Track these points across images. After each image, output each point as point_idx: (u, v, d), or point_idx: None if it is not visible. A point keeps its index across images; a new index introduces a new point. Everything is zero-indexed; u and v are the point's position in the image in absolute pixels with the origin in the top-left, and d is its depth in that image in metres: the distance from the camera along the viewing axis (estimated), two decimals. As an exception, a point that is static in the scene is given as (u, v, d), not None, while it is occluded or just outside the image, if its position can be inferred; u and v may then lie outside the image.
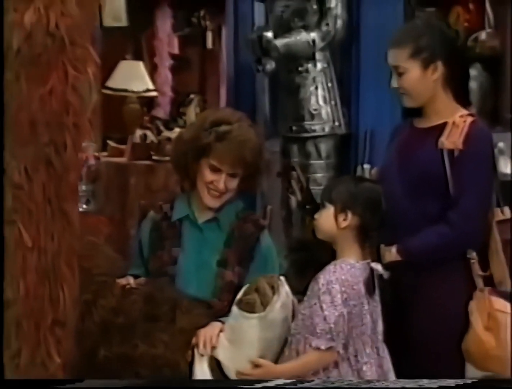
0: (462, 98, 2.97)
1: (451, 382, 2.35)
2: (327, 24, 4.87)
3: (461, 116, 2.88)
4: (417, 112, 2.97)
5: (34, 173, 2.05)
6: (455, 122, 2.85)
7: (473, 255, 2.85)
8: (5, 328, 2.08)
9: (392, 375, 2.72)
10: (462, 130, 2.83)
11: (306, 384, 2.55)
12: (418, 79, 2.88)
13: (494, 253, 2.89)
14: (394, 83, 2.92)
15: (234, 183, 2.93)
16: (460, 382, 2.34)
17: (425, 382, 2.37)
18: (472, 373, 2.95)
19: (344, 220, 2.70)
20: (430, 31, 2.93)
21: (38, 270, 2.11)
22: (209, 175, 2.90)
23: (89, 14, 2.15)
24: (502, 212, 2.93)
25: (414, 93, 2.90)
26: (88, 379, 2.36)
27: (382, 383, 2.58)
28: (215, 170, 2.90)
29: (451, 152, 2.82)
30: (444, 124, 2.87)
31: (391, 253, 2.84)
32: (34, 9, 1.96)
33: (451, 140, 2.82)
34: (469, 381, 2.33)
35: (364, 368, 2.66)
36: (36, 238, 2.08)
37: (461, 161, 2.81)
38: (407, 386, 2.45)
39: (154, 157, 5.42)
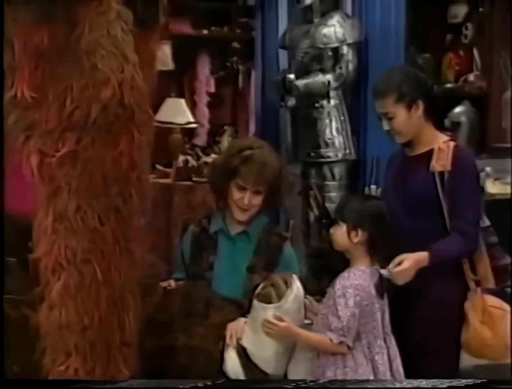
0: (442, 126, 2.96)
1: (463, 381, 2.26)
2: (340, 68, 4.86)
3: (444, 142, 2.86)
4: (409, 143, 2.94)
5: (106, 220, 2.07)
6: (440, 147, 2.84)
7: (465, 261, 2.83)
8: (81, 349, 2.07)
9: (398, 361, 2.69)
10: (447, 153, 2.81)
11: (338, 384, 2.52)
12: (405, 119, 2.86)
13: (479, 255, 2.86)
14: (386, 127, 2.91)
15: (258, 199, 2.91)
16: (470, 382, 2.24)
17: (435, 381, 2.29)
18: (467, 361, 2.98)
19: (356, 236, 2.68)
20: (407, 78, 2.91)
21: (109, 300, 2.12)
22: (236, 194, 2.89)
23: (151, 85, 2.18)
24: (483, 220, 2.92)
25: (404, 131, 2.88)
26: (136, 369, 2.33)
27: (402, 383, 2.53)
28: (241, 188, 2.89)
29: (441, 173, 2.80)
30: (431, 151, 2.85)
31: (422, 258, 2.74)
32: (110, 86, 1.97)
33: (440, 163, 2.80)
34: (479, 381, 2.24)
35: (376, 357, 2.64)
36: (107, 274, 2.10)
37: (453, 180, 2.79)
38: (419, 385, 2.37)
39: (194, 179, 5.39)
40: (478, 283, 2.85)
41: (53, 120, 1.97)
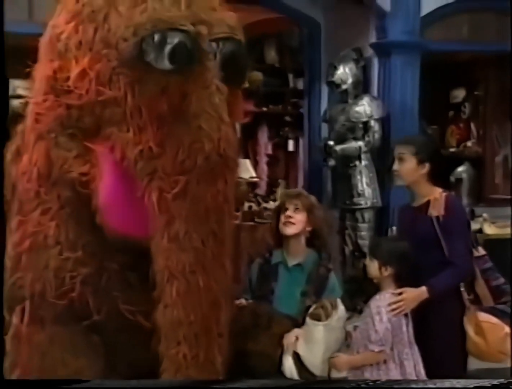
0: (441, 184, 2.90)
1: (486, 382, 2.12)
2: (369, 137, 4.85)
3: (439, 193, 2.82)
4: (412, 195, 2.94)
5: (207, 241, 2.05)
6: (435, 197, 2.79)
7: (462, 285, 2.78)
8: (188, 339, 2.05)
9: (421, 364, 2.63)
10: (441, 202, 2.76)
11: (390, 384, 2.43)
12: (411, 169, 2.82)
13: (476, 279, 2.81)
14: (395, 167, 2.85)
15: (299, 216, 2.88)
16: (495, 382, 2.11)
17: (461, 382, 2.17)
18: (472, 364, 2.89)
19: (385, 271, 2.65)
20: (426, 143, 2.92)
21: (208, 301, 2.08)
22: (283, 216, 2.89)
23: (236, 135, 2.16)
24: (477, 250, 2.86)
25: (406, 177, 2.85)
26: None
27: (435, 383, 2.39)
28: (285, 210, 2.88)
29: (437, 218, 2.75)
30: (429, 201, 2.81)
31: (421, 292, 2.68)
32: (210, 139, 1.97)
33: (436, 210, 2.76)
34: (505, 381, 2.12)
35: (405, 362, 2.59)
36: (207, 282, 2.06)
37: (447, 222, 2.74)
38: (443, 386, 2.26)
39: (256, 220, 5.40)
40: (473, 302, 2.80)
41: (169, 166, 1.98)
